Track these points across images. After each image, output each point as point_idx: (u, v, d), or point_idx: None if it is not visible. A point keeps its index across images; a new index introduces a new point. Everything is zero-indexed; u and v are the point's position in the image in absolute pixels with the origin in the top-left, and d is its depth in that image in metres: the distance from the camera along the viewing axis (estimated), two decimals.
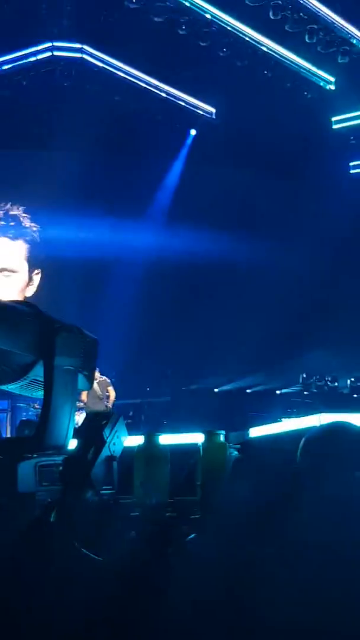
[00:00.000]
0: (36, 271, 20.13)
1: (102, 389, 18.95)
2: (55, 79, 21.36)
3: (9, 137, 21.45)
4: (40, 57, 21.13)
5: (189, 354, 21.59)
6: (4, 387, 6.08)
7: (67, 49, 21.16)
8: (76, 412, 6.00)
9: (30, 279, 20.39)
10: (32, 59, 21.19)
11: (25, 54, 21.10)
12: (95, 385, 18.68)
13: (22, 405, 18.65)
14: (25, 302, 6.06)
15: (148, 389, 21.22)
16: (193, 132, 23.52)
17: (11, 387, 5.96)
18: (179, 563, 4.90)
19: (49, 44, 20.97)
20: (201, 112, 22.81)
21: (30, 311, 5.92)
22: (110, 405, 18.89)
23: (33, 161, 21.77)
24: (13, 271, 20.30)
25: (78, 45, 21.06)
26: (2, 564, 5.08)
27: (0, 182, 21.12)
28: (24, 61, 21.27)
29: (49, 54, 21.10)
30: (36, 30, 20.49)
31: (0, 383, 5.91)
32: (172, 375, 21.88)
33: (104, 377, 19.05)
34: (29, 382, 5.88)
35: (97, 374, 18.67)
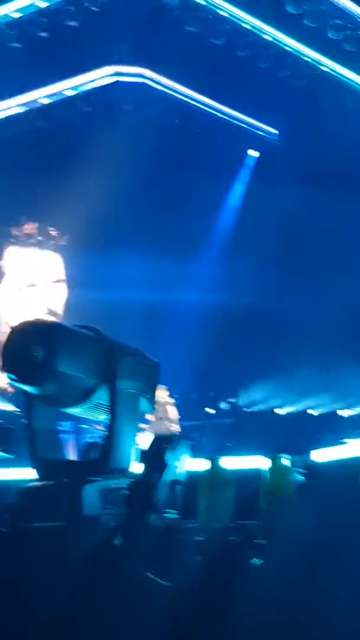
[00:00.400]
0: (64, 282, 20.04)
1: (165, 410, 19.01)
2: (117, 104, 21.58)
3: (71, 162, 21.71)
4: (101, 82, 21.37)
5: (251, 375, 21.49)
6: (68, 410, 6.15)
7: (128, 74, 21.35)
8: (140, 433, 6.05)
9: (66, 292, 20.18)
10: (94, 84, 21.44)
11: (86, 80, 21.35)
12: (159, 406, 18.82)
13: (86, 426, 18.74)
14: (89, 326, 6.12)
15: (210, 410, 21.15)
16: (254, 153, 23.45)
17: (75, 411, 6.04)
18: (243, 587, 4.88)
19: (110, 69, 21.20)
20: (262, 133, 22.75)
21: (93, 335, 5.99)
22: (174, 426, 18.94)
23: (92, 185, 21.98)
24: (61, 280, 20.57)
25: (139, 70, 21.24)
26: (69, 586, 5.12)
27: (61, 204, 21.47)
28: (86, 87, 21.52)
29: (110, 79, 21.33)
30: (98, 56, 20.74)
31: (64, 406, 5.99)
32: (233, 396, 21.80)
33: (168, 398, 19.09)
34: (93, 406, 5.95)
35: (162, 393, 18.82)
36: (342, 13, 18.14)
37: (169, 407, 18.93)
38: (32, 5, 18.31)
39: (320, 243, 22.38)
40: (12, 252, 23.02)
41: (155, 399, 6.08)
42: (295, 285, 22.28)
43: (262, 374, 21.32)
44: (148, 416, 18.47)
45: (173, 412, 19.02)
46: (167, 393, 18.97)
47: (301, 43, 19.47)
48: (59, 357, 5.61)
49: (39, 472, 6.01)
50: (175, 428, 18.75)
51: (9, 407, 19.15)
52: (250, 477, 5.79)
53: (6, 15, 18.49)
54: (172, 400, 19.02)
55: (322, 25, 18.28)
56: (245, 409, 21.56)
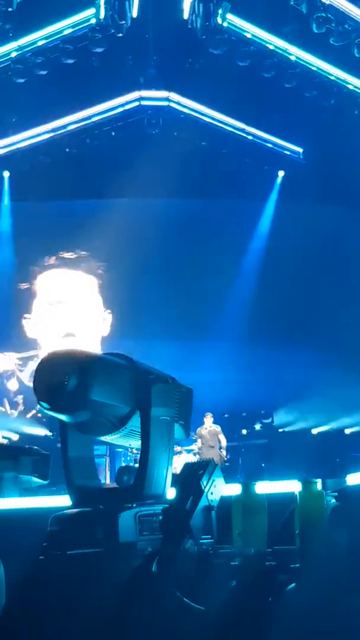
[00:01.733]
0: (108, 311, 20.59)
1: (213, 437, 19.20)
2: (143, 128, 21.77)
3: (98, 186, 21.92)
4: (127, 107, 21.59)
5: (285, 396, 21.47)
6: (102, 439, 6.23)
7: (154, 98, 21.54)
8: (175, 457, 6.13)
9: (103, 317, 20.69)
10: (120, 109, 21.66)
11: (113, 105, 21.58)
12: (206, 433, 19.00)
13: (120, 450, 18.83)
14: (120, 354, 6.21)
15: (245, 431, 21.16)
16: (281, 173, 23.50)
17: (110, 439, 6.12)
18: (279, 612, 4.91)
19: (136, 94, 21.41)
20: (288, 153, 22.81)
21: (125, 363, 6.08)
22: (224, 453, 19.08)
23: (121, 209, 22.17)
24: (88, 301, 20.91)
25: (165, 93, 21.43)
26: (106, 612, 5.18)
27: (88, 229, 21.67)
28: (112, 112, 21.74)
29: (136, 103, 21.54)
30: (123, 81, 20.98)
31: (99, 434, 6.07)
32: (267, 417, 21.79)
33: (214, 426, 19.31)
34: (127, 433, 6.03)
35: (209, 422, 18.98)
36: None
37: (217, 432, 19.12)
38: (57, 31, 18.58)
39: (350, 261, 22.38)
40: (44, 274, 23.28)
41: (207, 428, 6.14)
42: (327, 302, 22.25)
43: (297, 393, 21.31)
44: (198, 444, 18.73)
45: (222, 437, 19.16)
46: (212, 420, 19.16)
47: (326, 62, 19.57)
48: (92, 386, 5.68)
49: (74, 499, 6.08)
50: (223, 454, 18.86)
51: (46, 433, 19.34)
52: (284, 501, 5.82)
53: (32, 42, 18.77)
54: (218, 428, 19.18)
55: (347, 43, 18.37)
56: (279, 430, 21.53)
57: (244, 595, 5.11)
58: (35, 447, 12.04)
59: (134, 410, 5.99)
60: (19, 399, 22.32)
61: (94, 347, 21.49)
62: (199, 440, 19.07)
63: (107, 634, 5.19)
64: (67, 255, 23.17)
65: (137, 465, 6.16)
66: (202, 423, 19.02)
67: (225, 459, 19.05)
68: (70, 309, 22.99)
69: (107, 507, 5.80)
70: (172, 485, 5.94)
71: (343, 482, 5.83)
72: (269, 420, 21.73)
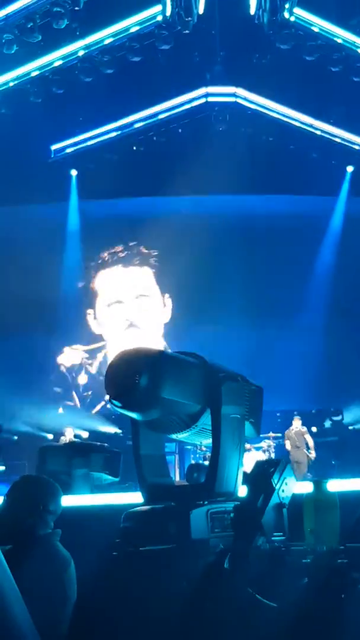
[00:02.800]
0: (167, 295, 20.93)
1: (300, 438, 19.29)
2: (210, 124, 21.79)
3: (164, 183, 22.02)
4: (194, 103, 21.63)
5: (355, 392, 21.30)
6: (173, 436, 6.28)
7: (221, 94, 21.54)
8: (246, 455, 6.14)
9: (164, 303, 21.07)
10: (187, 106, 21.71)
11: (180, 102, 21.63)
12: (293, 434, 19.10)
13: (189, 447, 18.91)
14: (191, 353, 6.23)
15: (314, 429, 21.06)
16: (350, 168, 23.29)
17: (181, 436, 6.15)
18: (353, 610, 4.89)
19: (203, 90, 21.44)
20: (358, 148, 22.59)
21: (196, 362, 6.11)
22: (313, 453, 19.14)
23: (186, 206, 22.24)
24: (145, 295, 21.27)
25: (231, 89, 21.43)
26: (179, 610, 5.22)
27: (149, 226, 21.76)
28: (179, 109, 21.80)
29: (203, 100, 21.57)
30: (190, 77, 21.04)
31: (170, 432, 6.11)
32: (338, 414, 21.64)
33: (302, 427, 19.40)
34: (198, 431, 6.06)
35: (297, 423, 19.06)
36: None
37: (303, 432, 19.20)
38: (124, 29, 18.71)
39: None
40: (102, 272, 23.49)
41: (260, 424, 6.18)
42: None
43: None
44: (287, 446, 18.81)
45: (308, 439, 19.24)
46: (300, 422, 19.19)
47: None
48: (163, 384, 5.73)
49: (146, 496, 6.14)
50: (311, 455, 18.90)
51: (116, 430, 19.53)
52: (356, 499, 5.79)
53: (99, 41, 18.94)
54: (304, 429, 19.25)
55: None
56: (350, 427, 21.37)
57: (316, 592, 5.10)
58: (106, 445, 12.19)
59: (205, 408, 6.01)
60: (88, 394, 22.60)
61: (158, 337, 21.68)
62: (287, 442, 19.25)
63: (179, 631, 5.23)
64: (119, 250, 23.37)
65: (206, 462, 6.20)
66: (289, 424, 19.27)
67: (313, 458, 19.14)
68: (129, 305, 23.18)
69: (179, 504, 5.83)
70: (243, 483, 5.95)
71: None
72: (339, 418, 21.59)
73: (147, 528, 5.77)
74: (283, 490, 5.70)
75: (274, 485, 5.65)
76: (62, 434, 19.11)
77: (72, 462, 10.97)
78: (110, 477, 10.71)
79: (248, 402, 6.03)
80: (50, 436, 19.73)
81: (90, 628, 5.38)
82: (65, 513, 6.06)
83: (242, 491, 5.87)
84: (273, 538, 5.60)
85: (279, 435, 19.10)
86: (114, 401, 5.88)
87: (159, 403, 5.76)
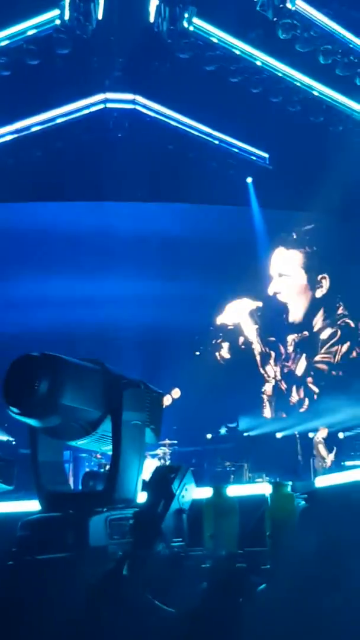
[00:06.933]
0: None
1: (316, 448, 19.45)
2: (109, 130, 21.70)
3: (61, 189, 21.81)
4: (93, 109, 21.49)
5: (250, 401, 21.59)
6: (73, 443, 6.23)
7: (120, 101, 21.47)
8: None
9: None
10: (86, 111, 21.55)
11: (79, 107, 21.46)
12: (322, 447, 19.21)
13: (84, 455, 18.76)
14: (92, 359, 6.20)
15: (209, 435, 21.19)
16: (249, 179, 23.59)
17: (81, 443, 6.11)
18: (250, 613, 4.94)
19: (101, 96, 21.32)
20: (255, 158, 22.88)
21: (96, 368, 6.07)
22: (327, 462, 19.17)
23: (85, 212, 22.12)
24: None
25: (130, 96, 21.37)
26: (77, 616, 5.17)
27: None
28: (78, 114, 21.62)
29: (101, 106, 21.45)
30: (88, 83, 20.87)
31: (70, 439, 6.06)
32: (232, 421, 21.86)
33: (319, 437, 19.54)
34: (98, 437, 6.03)
35: (323, 433, 19.19)
36: (332, 38, 18.37)
37: (318, 445, 19.30)
38: (21, 31, 18.42)
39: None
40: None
41: (160, 429, 6.19)
42: None
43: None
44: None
45: (322, 450, 19.30)
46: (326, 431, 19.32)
47: (292, 68, 19.67)
48: (63, 390, 5.68)
49: (44, 504, 6.06)
50: (327, 464, 18.97)
51: (8, 438, 19.20)
52: (255, 504, 5.86)
53: None
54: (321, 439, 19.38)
55: (312, 50, 18.48)
56: (244, 433, 21.60)
57: (215, 596, 5.13)
58: (0, 453, 11.97)
59: (105, 414, 6.00)
60: None
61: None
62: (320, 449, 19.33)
63: (79, 638, 5.18)
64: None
65: (102, 470, 6.17)
66: None
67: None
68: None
69: (78, 512, 5.79)
70: (143, 489, 5.95)
71: (312, 485, 5.88)
72: (234, 425, 21.81)
73: (44, 536, 5.70)
74: (183, 496, 5.73)
75: (174, 491, 5.67)
76: None
77: None
78: (4, 486, 10.52)
79: (149, 408, 6.05)
80: None
81: None
82: None
83: (142, 497, 5.87)
84: (173, 544, 5.62)
85: (175, 442, 19.07)
86: (12, 408, 5.78)
87: (58, 410, 5.70)
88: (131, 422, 5.86)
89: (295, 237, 23.70)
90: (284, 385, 23.06)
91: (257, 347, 23.33)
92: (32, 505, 6.58)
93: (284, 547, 5.43)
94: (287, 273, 23.05)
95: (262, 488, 5.87)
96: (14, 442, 18.89)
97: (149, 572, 5.34)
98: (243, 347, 23.41)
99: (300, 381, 22.94)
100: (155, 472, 5.93)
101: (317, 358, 23.07)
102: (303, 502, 5.72)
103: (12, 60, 18.84)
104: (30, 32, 18.43)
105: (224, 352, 23.35)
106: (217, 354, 23.27)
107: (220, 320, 23.43)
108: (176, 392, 19.81)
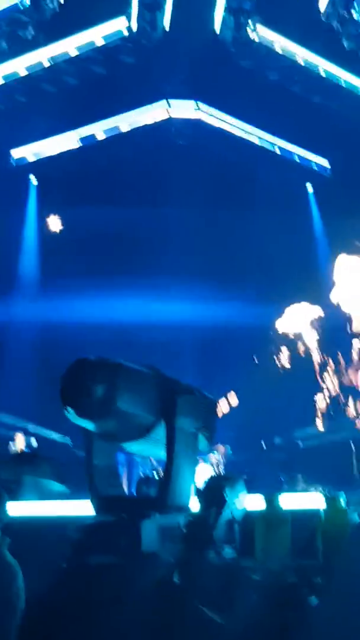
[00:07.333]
0: None
1: None
2: (171, 138, 21.79)
3: (125, 196, 21.93)
4: (157, 117, 21.59)
5: (306, 410, 21.39)
6: (127, 447, 6.25)
7: (183, 109, 21.54)
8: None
9: None
10: (150, 119, 21.66)
11: (142, 115, 21.59)
12: None
13: (138, 459, 18.79)
14: (147, 364, 6.21)
15: (263, 444, 21.04)
16: (310, 187, 23.48)
17: (134, 447, 6.13)
18: (301, 627, 4.89)
19: (165, 104, 21.44)
20: (315, 167, 22.78)
21: (151, 373, 6.09)
22: None
23: (144, 217, 22.18)
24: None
25: (193, 104, 21.43)
26: (128, 623, 5.18)
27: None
28: (142, 121, 21.75)
29: (166, 114, 21.55)
30: (153, 92, 21.00)
31: (123, 441, 6.09)
32: (288, 430, 21.68)
33: None
34: (152, 442, 6.03)
35: None
36: None
37: None
38: (90, 43, 18.67)
39: None
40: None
41: (213, 437, 6.18)
42: None
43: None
44: None
45: None
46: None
47: (355, 76, 19.56)
48: (118, 394, 5.70)
49: (98, 507, 6.09)
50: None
51: (65, 440, 19.35)
52: (308, 516, 5.80)
53: (64, 53, 18.87)
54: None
55: None
56: (299, 443, 21.41)
57: (265, 610, 5.09)
58: (55, 455, 12.11)
59: (159, 420, 6.00)
60: None
61: None
62: None
63: None
64: None
65: (156, 476, 6.17)
66: None
67: None
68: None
69: (130, 516, 5.80)
70: (196, 496, 5.94)
71: None
72: (290, 434, 21.64)
73: (97, 540, 5.72)
74: (235, 505, 5.70)
75: (227, 499, 5.65)
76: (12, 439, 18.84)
77: (20, 470, 10.88)
78: (59, 485, 10.62)
79: (203, 415, 6.04)
80: None
81: (38, 639, 5.31)
82: (15, 522, 5.98)
83: (195, 505, 5.86)
84: (224, 553, 5.59)
85: (229, 449, 18.99)
86: (69, 410, 5.83)
87: (113, 413, 5.73)
88: (184, 429, 5.86)
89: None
90: (342, 399, 22.77)
91: (316, 356, 23.08)
92: (86, 507, 6.61)
93: (337, 562, 5.36)
94: (352, 281, 22.74)
95: (316, 499, 5.81)
96: (71, 444, 19.03)
97: (198, 581, 5.32)
98: (302, 354, 23.19)
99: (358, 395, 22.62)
100: (208, 481, 5.92)
101: None
102: (357, 517, 5.65)
103: (80, 69, 19.12)
104: (98, 42, 18.67)
105: (283, 359, 23.17)
106: (276, 360, 23.09)
107: (280, 326, 23.26)
108: (233, 398, 19.75)
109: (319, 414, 22.00)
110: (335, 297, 22.59)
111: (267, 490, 6.49)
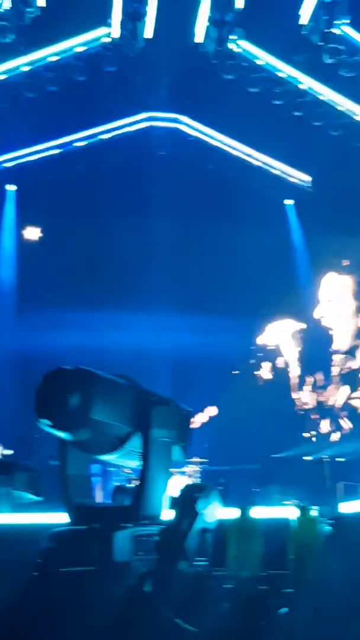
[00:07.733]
0: None
1: None
2: (151, 148, 21.80)
3: (105, 205, 21.90)
4: (137, 127, 21.63)
5: (278, 422, 21.43)
6: (101, 457, 6.27)
7: (163, 119, 21.59)
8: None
9: None
10: (130, 128, 21.70)
11: (123, 124, 21.61)
12: None
13: (113, 469, 18.74)
14: (123, 375, 6.24)
15: (238, 456, 21.03)
16: (289, 202, 23.51)
17: (108, 457, 6.15)
18: (271, 636, 4.93)
19: (145, 115, 21.46)
20: (297, 181, 22.83)
21: (127, 384, 6.12)
22: None
23: (120, 228, 22.19)
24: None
25: (174, 115, 21.47)
26: (98, 631, 5.19)
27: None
28: (121, 131, 21.77)
29: (146, 124, 21.58)
30: (134, 102, 21.00)
31: (98, 453, 6.11)
32: (260, 442, 21.68)
33: None
34: (126, 453, 6.07)
35: None
36: None
37: None
38: (69, 49, 18.65)
39: None
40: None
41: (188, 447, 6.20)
42: None
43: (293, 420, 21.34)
44: None
45: None
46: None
47: (337, 92, 19.66)
48: (94, 405, 5.73)
49: (71, 516, 6.11)
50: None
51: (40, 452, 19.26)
52: (279, 527, 5.84)
53: (44, 58, 18.84)
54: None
55: (357, 75, 18.47)
56: (272, 455, 21.45)
57: (236, 618, 5.13)
58: (30, 463, 12.04)
59: (134, 430, 6.04)
60: None
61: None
62: None
63: None
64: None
65: (131, 485, 6.19)
66: None
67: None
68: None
69: (103, 526, 5.82)
70: (170, 506, 5.97)
71: (337, 510, 5.85)
72: (262, 446, 21.64)
73: (69, 549, 5.73)
74: (208, 516, 5.73)
75: (199, 509, 5.68)
76: None
77: None
78: (33, 496, 10.57)
79: (178, 426, 6.07)
80: None
81: None
82: None
83: (167, 514, 5.88)
84: (196, 563, 5.62)
85: (205, 460, 18.97)
86: (44, 420, 5.84)
87: (88, 424, 5.76)
88: (159, 439, 5.89)
89: (348, 263, 23.41)
90: (316, 415, 22.78)
91: (294, 371, 23.13)
92: (60, 517, 6.62)
93: (308, 572, 5.41)
94: (336, 299, 22.84)
95: (289, 511, 5.85)
96: (45, 454, 18.91)
97: (171, 590, 5.34)
98: (282, 368, 23.26)
99: (334, 414, 22.67)
100: (182, 491, 5.94)
101: (357, 394, 22.65)
102: (328, 528, 5.69)
103: (59, 76, 19.07)
104: (78, 49, 18.66)
105: (263, 372, 23.21)
106: (255, 373, 23.12)
107: (261, 339, 23.28)
108: (212, 410, 19.73)
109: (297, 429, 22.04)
110: (318, 313, 22.70)
111: (241, 501, 6.54)
